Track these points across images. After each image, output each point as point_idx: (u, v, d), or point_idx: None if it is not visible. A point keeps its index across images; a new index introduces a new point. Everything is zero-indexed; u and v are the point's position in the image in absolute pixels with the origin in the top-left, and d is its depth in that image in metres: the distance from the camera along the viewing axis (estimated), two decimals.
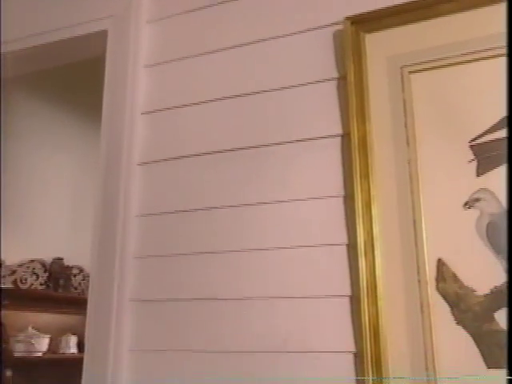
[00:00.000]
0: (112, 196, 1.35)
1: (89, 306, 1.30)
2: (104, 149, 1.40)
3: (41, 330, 3.47)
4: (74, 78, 3.47)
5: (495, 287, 0.95)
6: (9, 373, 3.03)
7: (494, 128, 1.01)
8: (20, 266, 3.55)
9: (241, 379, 1.12)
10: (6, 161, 3.51)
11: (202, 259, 1.23)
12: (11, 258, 3.46)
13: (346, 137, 1.16)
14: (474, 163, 1.01)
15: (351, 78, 1.15)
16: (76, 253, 3.81)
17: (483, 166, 1.00)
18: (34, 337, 3.33)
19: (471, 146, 1.02)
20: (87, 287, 1.33)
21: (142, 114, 1.41)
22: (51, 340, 3.51)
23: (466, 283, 0.97)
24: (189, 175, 1.30)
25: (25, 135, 3.79)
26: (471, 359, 0.94)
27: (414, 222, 1.03)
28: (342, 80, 1.20)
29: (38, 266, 3.67)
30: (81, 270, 4.00)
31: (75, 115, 4.12)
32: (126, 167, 1.36)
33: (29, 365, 3.36)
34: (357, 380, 1.03)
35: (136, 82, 1.43)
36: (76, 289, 3.93)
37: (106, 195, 1.36)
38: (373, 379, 0.98)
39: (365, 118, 1.12)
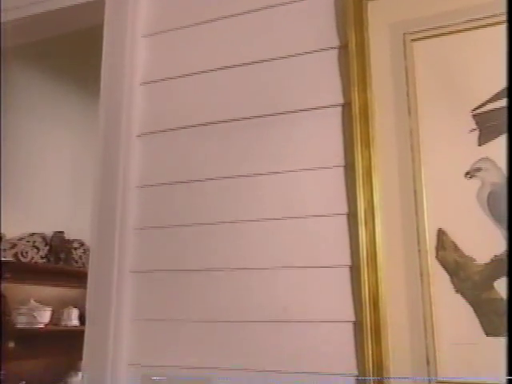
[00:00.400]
0: (111, 167, 1.34)
1: (89, 278, 1.31)
2: (103, 120, 1.39)
3: (42, 302, 3.50)
4: (74, 51, 3.43)
5: (495, 256, 0.95)
6: (11, 344, 3.07)
7: (497, 97, 1.00)
8: (20, 239, 3.56)
9: (241, 348, 1.13)
10: (6, 134, 3.49)
11: (202, 230, 1.23)
12: (11, 232, 3.47)
13: (346, 106, 1.15)
14: (476, 132, 1.00)
15: (353, 46, 1.14)
16: (76, 226, 3.82)
17: (485, 135, 0.99)
18: (36, 309, 3.36)
19: (473, 115, 1.01)
20: (88, 261, 1.33)
21: (141, 84, 1.39)
22: (53, 312, 3.54)
23: (466, 252, 0.97)
24: (188, 146, 1.29)
25: (24, 108, 3.77)
26: (470, 327, 0.94)
27: (415, 191, 1.03)
28: (343, 48, 1.18)
29: (39, 239, 3.69)
30: (81, 244, 4.01)
31: (75, 88, 4.09)
32: (125, 138, 1.35)
33: (31, 336, 3.39)
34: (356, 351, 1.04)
35: (134, 51, 1.41)
36: (77, 262, 3.95)
37: (106, 167, 1.35)
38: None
39: (366, 87, 1.11)
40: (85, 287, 1.30)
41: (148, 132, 1.35)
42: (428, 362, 0.96)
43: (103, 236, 1.31)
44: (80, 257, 3.98)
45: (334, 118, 1.16)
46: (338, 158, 1.14)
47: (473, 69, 1.04)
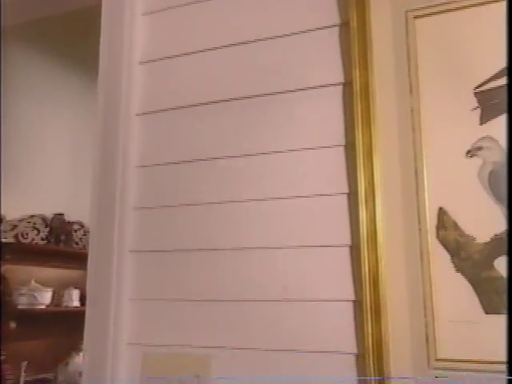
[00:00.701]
0: (111, 147, 1.33)
1: (89, 258, 1.31)
2: (102, 100, 1.38)
3: (43, 283, 3.52)
4: (73, 31, 3.40)
5: (495, 235, 0.95)
6: (13, 324, 3.09)
7: (499, 74, 0.99)
8: (21, 221, 3.57)
9: (241, 327, 1.14)
10: (5, 115, 3.47)
11: (201, 210, 1.22)
12: (11, 214, 3.47)
13: (347, 85, 1.14)
14: (478, 111, 0.99)
15: (354, 24, 1.12)
16: (76, 208, 3.82)
17: (487, 113, 0.99)
18: (37, 290, 3.38)
19: (475, 94, 1.00)
20: (88, 243, 1.33)
21: (140, 63, 1.38)
22: (54, 293, 3.57)
23: (466, 231, 0.97)
24: (188, 125, 1.29)
25: (23, 90, 3.74)
26: (470, 305, 0.94)
27: (416, 170, 1.02)
28: (344, 26, 1.16)
29: (39, 221, 3.69)
30: (81, 226, 4.02)
31: (75, 69, 4.06)
32: (124, 118, 1.34)
33: (32, 317, 3.42)
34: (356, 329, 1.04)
35: (133, 30, 1.39)
36: (77, 244, 3.96)
37: (105, 146, 1.34)
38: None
39: (367, 66, 1.09)
40: (85, 269, 1.31)
41: (147, 111, 1.34)
42: (427, 340, 0.96)
43: (103, 216, 1.30)
44: (80, 239, 4.00)
45: (335, 97, 1.15)
46: (339, 137, 1.13)
47: (475, 46, 1.03)
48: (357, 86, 1.10)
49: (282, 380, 1.08)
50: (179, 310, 1.20)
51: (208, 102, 1.27)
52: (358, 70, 1.10)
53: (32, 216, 3.65)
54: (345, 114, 1.13)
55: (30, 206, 3.68)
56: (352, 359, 1.04)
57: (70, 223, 3.92)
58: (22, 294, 3.30)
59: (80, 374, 1.26)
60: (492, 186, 0.96)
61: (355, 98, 1.09)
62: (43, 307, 3.44)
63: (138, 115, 1.35)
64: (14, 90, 3.64)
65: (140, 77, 1.37)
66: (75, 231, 3.97)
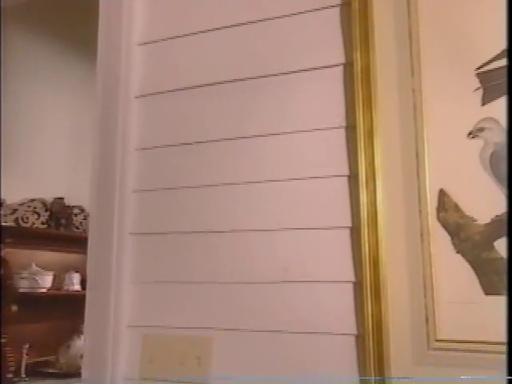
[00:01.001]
0: (110, 130, 1.32)
1: (89, 241, 1.31)
2: (101, 82, 1.37)
3: (44, 267, 3.53)
4: (73, 14, 3.37)
5: (496, 216, 0.95)
6: (14, 307, 3.10)
7: (502, 55, 0.98)
8: (21, 205, 3.57)
9: (241, 309, 1.14)
10: (5, 99, 3.45)
11: (201, 192, 1.22)
12: (11, 198, 3.47)
13: (348, 66, 1.13)
14: (480, 92, 0.99)
15: (355, 4, 1.11)
16: (76, 193, 3.82)
17: (489, 94, 0.98)
18: (38, 274, 3.39)
19: (477, 74, 0.99)
20: (88, 227, 1.33)
21: (139, 45, 1.37)
22: (55, 277, 3.58)
23: (467, 213, 0.97)
24: (188, 108, 1.28)
25: (22, 72, 3.72)
26: (469, 286, 0.95)
27: (417, 152, 1.02)
28: (345, 6, 1.15)
29: (39, 205, 3.69)
30: (82, 210, 4.02)
31: (74, 52, 4.03)
32: (123, 100, 1.33)
33: (34, 300, 3.44)
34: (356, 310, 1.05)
35: (132, 10, 1.37)
36: (77, 228, 3.97)
37: (104, 129, 1.34)
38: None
39: (368, 47, 1.08)
40: (86, 253, 1.31)
41: (147, 94, 1.33)
42: (427, 321, 0.96)
43: (102, 198, 1.30)
44: (81, 223, 4.00)
45: (336, 78, 1.14)
46: (339, 119, 1.12)
47: (478, 26, 1.02)
48: (358, 67, 1.09)
49: (281, 380, 1.08)
50: (179, 292, 1.21)
51: (207, 84, 1.26)
52: (359, 51, 1.09)
53: (32, 200, 3.65)
54: (345, 95, 1.12)
55: (30, 189, 3.67)
56: (352, 340, 1.04)
57: (71, 207, 3.92)
58: (22, 278, 3.32)
59: (81, 357, 1.27)
60: (493, 167, 0.96)
61: (356, 79, 1.08)
62: (44, 291, 3.46)
63: (137, 98, 1.34)
64: (14, 73, 3.61)
65: (139, 59, 1.36)
66: (75, 215, 3.97)
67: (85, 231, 3.84)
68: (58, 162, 3.97)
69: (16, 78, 3.65)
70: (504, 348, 0.88)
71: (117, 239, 1.27)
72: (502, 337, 0.90)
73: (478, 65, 1.00)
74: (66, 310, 3.55)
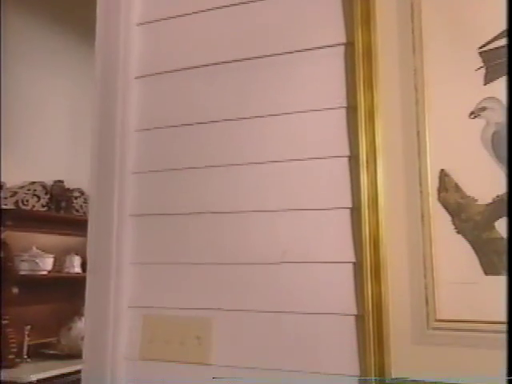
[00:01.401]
0: (109, 111, 1.31)
1: (89, 222, 1.31)
2: (99, 63, 1.36)
3: (45, 250, 3.54)
4: None
5: (497, 196, 0.94)
6: (15, 290, 3.12)
7: (505, 33, 0.97)
8: (21, 188, 3.56)
9: (241, 290, 1.14)
10: (4, 82, 3.43)
11: (201, 173, 1.22)
12: (11, 180, 3.47)
13: (349, 46, 1.11)
14: (482, 71, 0.98)
15: None
16: (76, 176, 3.82)
17: (491, 73, 0.97)
18: (38, 256, 3.40)
19: (480, 53, 0.98)
20: (88, 209, 1.33)
21: (138, 25, 1.35)
22: (55, 260, 3.59)
23: (467, 193, 0.97)
24: (187, 88, 1.27)
25: (22, 56, 3.69)
26: (470, 267, 0.95)
27: (418, 132, 1.01)
28: None
29: (39, 188, 3.69)
30: (82, 193, 4.02)
31: (74, 35, 4.00)
32: (122, 81, 1.32)
33: (35, 283, 3.45)
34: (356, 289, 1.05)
35: None
36: (77, 211, 3.97)
37: (103, 111, 1.33)
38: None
39: (370, 26, 1.07)
40: (86, 236, 1.31)
41: (146, 74, 1.32)
42: (427, 301, 0.97)
43: (102, 180, 1.30)
44: (81, 206, 4.00)
45: (337, 57, 1.13)
46: (340, 99, 1.11)
47: (480, 5, 1.00)
48: (359, 47, 1.07)
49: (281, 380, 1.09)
50: (179, 272, 1.21)
51: (208, 64, 1.25)
52: (360, 30, 1.08)
53: (32, 183, 3.65)
54: (347, 75, 1.11)
55: (30, 172, 3.67)
56: (352, 320, 1.04)
57: (70, 190, 3.92)
58: (23, 260, 3.33)
59: (82, 339, 1.28)
60: (495, 147, 0.95)
61: (357, 58, 1.07)
62: (45, 273, 3.47)
63: (136, 78, 1.33)
64: (12, 56, 3.59)
65: (138, 39, 1.34)
66: (75, 198, 3.97)
67: (85, 214, 3.84)
68: (58, 144, 3.95)
69: (15, 61, 3.62)
70: (504, 327, 0.89)
71: (117, 221, 1.26)
72: (502, 316, 0.90)
73: (481, 43, 0.98)
74: (67, 292, 3.57)
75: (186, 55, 1.28)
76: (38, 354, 3.37)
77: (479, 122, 0.97)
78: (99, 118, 1.33)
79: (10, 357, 3.04)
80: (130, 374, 1.21)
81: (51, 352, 3.41)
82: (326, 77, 1.13)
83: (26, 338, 3.28)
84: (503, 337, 0.89)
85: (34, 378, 2.91)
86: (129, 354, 1.22)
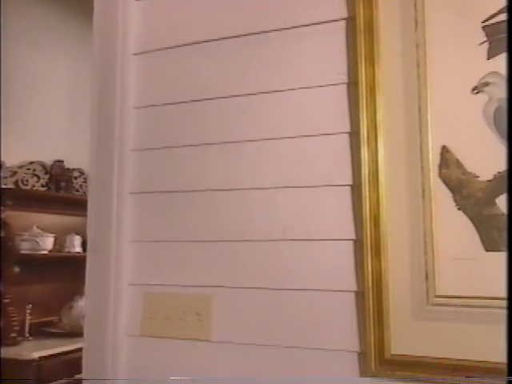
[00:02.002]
0: (108, 88, 1.30)
1: (89, 201, 1.30)
2: (97, 40, 1.34)
3: (45, 229, 3.54)
4: None
5: (498, 173, 0.94)
6: (16, 269, 3.13)
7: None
8: (20, 167, 3.55)
9: (241, 267, 1.14)
10: (3, 60, 3.40)
11: (200, 150, 1.21)
12: (11, 160, 3.46)
13: (350, 21, 1.10)
14: (486, 45, 0.96)
15: None
16: (76, 156, 3.80)
17: (495, 47, 0.95)
18: (39, 236, 3.41)
19: (483, 27, 0.97)
20: (88, 189, 1.33)
21: (137, 0, 1.33)
22: (56, 239, 3.59)
23: (469, 169, 0.96)
24: (186, 65, 1.25)
25: (20, 34, 3.65)
26: (470, 243, 0.94)
27: (420, 108, 1.00)
28: None
29: (39, 167, 3.68)
30: (81, 173, 4.01)
31: (72, 12, 3.95)
32: (121, 57, 1.31)
33: (36, 262, 3.46)
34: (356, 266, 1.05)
35: None
36: (77, 191, 3.97)
37: (102, 88, 1.31)
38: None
39: (371, 0, 1.05)
40: (86, 215, 1.30)
41: (145, 51, 1.30)
42: (427, 277, 0.97)
43: (102, 158, 1.29)
44: (81, 185, 4.00)
45: (338, 33, 1.12)
46: (341, 75, 1.10)
47: None
48: (361, 22, 1.06)
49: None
50: (179, 250, 1.21)
51: (207, 40, 1.23)
52: (361, 5, 1.06)
53: (31, 163, 3.64)
54: (348, 50, 1.10)
55: (30, 152, 3.65)
56: (352, 297, 1.05)
57: (70, 170, 3.91)
58: (23, 240, 3.33)
59: (84, 317, 1.28)
60: (497, 123, 0.94)
61: (359, 34, 1.06)
62: (45, 253, 3.48)
63: (135, 55, 1.31)
64: (11, 33, 3.55)
65: (136, 15, 1.33)
66: (75, 178, 3.96)
67: (85, 194, 3.84)
68: (57, 124, 3.93)
69: (14, 39, 3.58)
70: (503, 303, 0.89)
71: (116, 198, 1.26)
72: (502, 292, 0.90)
73: (485, 17, 0.97)
74: (68, 271, 3.58)
75: (184, 31, 1.26)
76: (40, 332, 3.39)
77: (482, 98, 0.96)
78: (98, 95, 1.31)
79: (12, 335, 3.07)
80: (131, 350, 1.22)
81: (53, 330, 3.43)
82: (326, 52, 1.12)
83: (28, 317, 3.30)
84: (503, 312, 0.89)
85: (35, 355, 2.93)
86: (129, 330, 1.22)
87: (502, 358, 0.87)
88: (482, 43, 0.97)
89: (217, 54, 1.22)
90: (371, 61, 1.04)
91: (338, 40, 1.11)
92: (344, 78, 1.10)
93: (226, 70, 1.21)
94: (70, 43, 4.00)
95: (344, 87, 1.10)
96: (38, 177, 3.66)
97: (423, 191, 0.98)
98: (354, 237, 1.05)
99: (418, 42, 1.02)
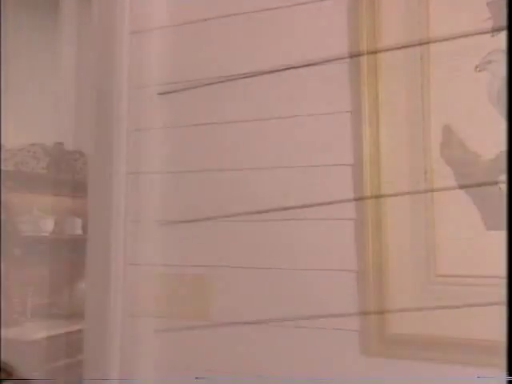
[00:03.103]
0: (109, 68, 1.29)
1: (89, 181, 1.30)
2: (97, 17, 1.33)
3: (46, 212, 3.54)
4: None
5: (501, 152, 0.93)
6: (17, 251, 3.13)
7: None
8: (20, 150, 3.54)
9: (242, 245, 1.14)
10: (2, 41, 3.37)
11: (202, 130, 1.20)
12: (11, 142, 3.44)
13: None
14: (490, 22, 0.95)
15: None
16: (76, 138, 3.79)
17: (499, 24, 0.94)
18: (40, 218, 3.40)
19: (488, 4, 0.95)
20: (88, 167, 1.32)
21: None
22: (56, 221, 3.59)
23: (471, 149, 0.95)
24: (189, 42, 1.24)
25: (19, 14, 3.62)
26: (471, 222, 0.94)
27: (422, 86, 0.99)
28: None
29: (39, 150, 3.66)
30: (81, 155, 4.00)
31: None
32: (120, 36, 1.29)
33: (36, 244, 3.46)
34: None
35: None
36: (78, 174, 3.96)
37: (102, 68, 1.30)
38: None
39: None
40: (87, 198, 1.30)
41: (144, 29, 1.29)
42: (428, 257, 0.96)
43: (103, 138, 1.28)
44: (81, 168, 3.98)
45: (339, 7, 1.10)
46: (342, 52, 1.09)
47: None
48: None
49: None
50: (179, 230, 1.21)
51: (208, 19, 1.22)
52: None
53: (32, 145, 3.62)
54: (349, 25, 1.08)
55: (29, 134, 3.64)
56: (353, 276, 1.05)
57: (70, 152, 3.90)
58: (24, 222, 3.33)
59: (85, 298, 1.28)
60: (500, 101, 0.93)
61: (360, 10, 1.05)
62: (46, 235, 3.48)
63: (130, 33, 1.29)
64: (11, 13, 3.51)
65: None
66: (75, 160, 3.95)
67: (85, 177, 3.83)
68: (57, 106, 3.91)
69: (13, 18, 3.55)
70: (504, 282, 0.88)
71: (116, 180, 1.25)
72: (502, 272, 0.90)
73: None
74: (69, 253, 3.58)
75: (187, 9, 1.25)
76: (41, 313, 3.41)
77: (485, 76, 0.95)
78: (98, 77, 1.30)
79: (14, 316, 3.08)
80: (131, 330, 1.22)
81: (54, 312, 3.45)
82: (327, 27, 1.11)
83: (29, 298, 3.31)
84: (503, 292, 0.89)
85: (37, 336, 2.95)
86: (129, 310, 1.22)
87: (502, 336, 0.87)
88: (487, 20, 0.95)
89: (216, 33, 1.21)
90: (373, 36, 1.04)
91: (339, 14, 1.10)
92: (345, 55, 1.08)
93: (225, 47, 1.20)
94: (72, 25, 3.97)
95: (345, 65, 1.08)
96: (38, 159, 3.64)
97: (425, 171, 0.98)
98: (354, 216, 1.05)
99: (421, 17, 1.00)
